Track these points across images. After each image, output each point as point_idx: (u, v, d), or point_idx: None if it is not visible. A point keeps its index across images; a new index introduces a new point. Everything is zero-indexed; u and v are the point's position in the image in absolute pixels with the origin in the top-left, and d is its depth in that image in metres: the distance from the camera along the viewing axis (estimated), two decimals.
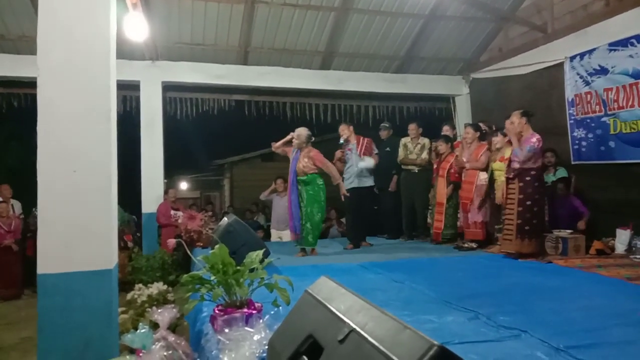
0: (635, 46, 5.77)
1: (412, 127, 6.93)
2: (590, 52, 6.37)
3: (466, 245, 5.88)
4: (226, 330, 2.08)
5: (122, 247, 6.41)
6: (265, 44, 7.72)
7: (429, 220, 6.65)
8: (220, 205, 14.84)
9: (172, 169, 7.60)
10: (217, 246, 2.54)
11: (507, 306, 3.11)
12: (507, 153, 5.56)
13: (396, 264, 4.76)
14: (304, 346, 1.35)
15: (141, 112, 7.31)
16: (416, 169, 6.76)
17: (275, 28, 7.45)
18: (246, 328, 2.05)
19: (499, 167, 5.64)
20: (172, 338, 2.46)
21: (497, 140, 5.68)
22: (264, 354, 1.96)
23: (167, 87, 7.71)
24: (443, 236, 6.24)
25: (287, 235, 7.44)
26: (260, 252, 2.64)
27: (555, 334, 2.50)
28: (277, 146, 5.75)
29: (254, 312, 2.44)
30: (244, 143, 13.74)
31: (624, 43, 5.92)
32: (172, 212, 7.31)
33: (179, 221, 7.30)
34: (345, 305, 1.36)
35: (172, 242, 2.97)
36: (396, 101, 9.14)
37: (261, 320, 2.21)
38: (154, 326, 2.64)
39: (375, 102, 9.07)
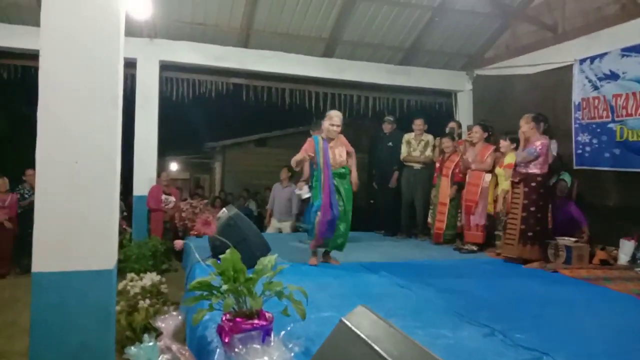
0: None
1: (418, 123, 6.77)
2: (602, 56, 6.25)
3: (466, 247, 5.79)
4: (240, 347, 1.92)
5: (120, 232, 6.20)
6: (267, 27, 7.49)
7: (429, 219, 6.53)
8: (210, 188, 14.62)
9: (163, 149, 7.35)
10: (228, 251, 2.37)
11: (521, 321, 3.00)
12: (507, 159, 5.48)
13: (399, 265, 4.63)
14: None
15: (137, 91, 7.04)
16: (418, 166, 6.64)
17: (279, 11, 7.21)
18: (264, 346, 1.90)
19: (500, 172, 5.54)
20: (175, 347, 2.30)
21: (504, 145, 5.57)
22: None
23: (165, 67, 7.43)
24: (444, 237, 6.14)
25: (287, 227, 7.29)
26: (272, 258, 2.48)
27: (577, 358, 2.41)
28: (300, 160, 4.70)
29: (264, 323, 2.28)
30: (239, 127, 13.49)
31: (637, 49, 5.81)
32: (164, 196, 7.10)
33: (169, 206, 7.09)
34: (398, 350, 1.20)
35: (179, 243, 2.80)
36: (397, 93, 8.96)
37: (275, 337, 2.05)
38: (156, 333, 2.48)
39: (376, 93, 8.88)
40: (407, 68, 8.51)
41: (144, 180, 7.11)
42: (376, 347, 1.25)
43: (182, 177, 15.17)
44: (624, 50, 5.95)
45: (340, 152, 4.63)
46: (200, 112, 11.25)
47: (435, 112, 9.11)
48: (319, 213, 4.46)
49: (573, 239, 5.22)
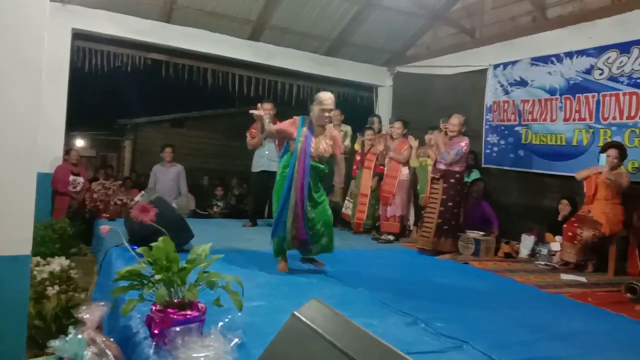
0: (555, 64, 6.17)
1: (336, 113, 6.86)
2: (514, 63, 6.71)
3: (384, 237, 6.00)
4: (177, 339, 1.85)
5: None
6: (193, 3, 7.19)
7: (345, 210, 6.64)
8: (119, 168, 13.85)
9: (69, 124, 6.83)
10: (160, 238, 2.26)
11: (441, 311, 3.17)
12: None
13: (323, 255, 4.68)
14: None
15: (45, 59, 6.43)
16: None
17: None
18: (202, 338, 1.84)
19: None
20: (100, 339, 2.16)
21: (431, 137, 5.87)
22: None
23: (77, 36, 6.88)
24: (364, 226, 6.32)
25: None
26: (207, 247, 2.40)
27: (494, 347, 2.57)
28: (279, 130, 4.08)
29: (197, 314, 2.21)
30: (154, 105, 12.85)
31: (544, 60, 6.30)
32: (71, 177, 6.60)
33: (77, 189, 6.61)
34: (357, 344, 1.22)
35: (105, 228, 2.61)
36: (321, 83, 8.97)
37: (213, 328, 2.00)
38: (71, 321, 2.32)
39: (301, 81, 8.86)
40: (333, 59, 8.58)
41: (49, 157, 6.57)
42: (335, 342, 1.26)
43: (88, 155, 14.23)
44: (533, 59, 6.43)
45: (326, 146, 3.92)
46: (112, 86, 10.57)
47: (357, 105, 9.28)
48: (290, 212, 3.81)
49: (481, 233, 5.60)
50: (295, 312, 1.48)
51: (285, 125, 4.02)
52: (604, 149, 4.99)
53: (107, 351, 2.09)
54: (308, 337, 1.36)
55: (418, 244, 5.48)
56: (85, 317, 2.16)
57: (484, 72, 7.11)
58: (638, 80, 5.26)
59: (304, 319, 1.42)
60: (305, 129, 3.91)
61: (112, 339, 2.23)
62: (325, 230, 3.97)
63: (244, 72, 8.39)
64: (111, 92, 11.44)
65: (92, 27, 6.81)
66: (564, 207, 5.51)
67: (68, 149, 6.86)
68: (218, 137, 13.74)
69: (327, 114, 3.91)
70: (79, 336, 1.85)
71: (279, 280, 3.59)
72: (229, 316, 2.13)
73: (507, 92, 6.83)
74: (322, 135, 3.96)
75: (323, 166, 3.97)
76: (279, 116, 6.45)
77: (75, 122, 10.68)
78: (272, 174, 6.13)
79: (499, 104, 6.95)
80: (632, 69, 5.31)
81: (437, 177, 5.27)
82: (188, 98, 11.95)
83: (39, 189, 6.73)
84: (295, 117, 4.04)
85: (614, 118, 5.48)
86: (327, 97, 3.95)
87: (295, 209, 3.79)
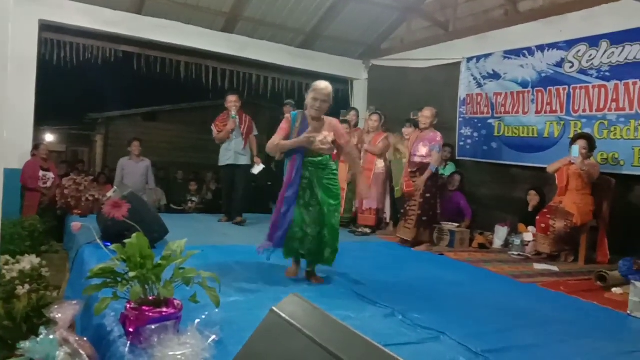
0: (527, 57, 6.27)
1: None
2: (487, 56, 6.78)
3: (360, 230, 6.03)
4: (153, 337, 1.81)
5: None
6: None
7: None
8: (90, 163, 13.57)
9: (37, 117, 6.66)
10: (134, 235, 2.22)
11: (417, 302, 3.20)
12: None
13: None
14: None
15: (10, 52, 6.23)
16: None
17: None
18: (178, 336, 1.81)
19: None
20: (72, 339, 2.11)
21: (407, 131, 5.89)
22: None
23: (45, 27, 6.68)
24: (342, 220, 6.32)
25: None
26: (182, 243, 2.36)
27: (470, 336, 2.60)
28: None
29: (174, 311, 2.18)
30: (126, 99, 12.59)
31: (517, 53, 6.39)
32: (41, 172, 6.43)
33: (47, 185, 6.46)
34: (338, 339, 1.21)
35: (77, 225, 2.54)
36: (296, 76, 8.95)
37: (190, 325, 1.97)
38: (43, 321, 2.26)
39: (276, 74, 8.79)
40: (308, 52, 8.55)
41: (17, 152, 6.39)
42: (315, 338, 1.25)
43: (58, 150, 13.88)
44: (506, 52, 6.52)
45: (322, 139, 3.48)
46: (83, 79, 10.31)
47: (332, 98, 9.24)
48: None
49: (456, 224, 5.67)
50: (274, 308, 1.46)
51: (284, 128, 3.59)
52: (573, 140, 5.10)
53: (81, 351, 2.04)
54: (287, 333, 1.35)
55: (399, 234, 5.49)
56: (57, 316, 2.10)
57: (457, 65, 7.17)
58: (607, 74, 5.38)
59: (282, 314, 1.41)
60: (297, 124, 3.55)
61: (85, 339, 2.18)
62: (330, 239, 3.56)
63: (217, 65, 8.29)
64: (81, 85, 11.16)
65: (61, 18, 6.63)
66: (533, 198, 5.64)
67: (37, 144, 6.68)
68: (192, 130, 13.57)
69: (318, 105, 3.50)
70: (51, 336, 1.80)
71: (256, 276, 3.57)
72: (206, 313, 2.11)
73: (480, 85, 6.91)
74: (318, 127, 3.56)
75: (320, 158, 3.53)
76: (251, 109, 6.43)
77: (44, 116, 10.40)
78: (240, 168, 6.15)
79: (472, 96, 7.03)
80: (601, 62, 5.43)
81: (414, 170, 5.32)
82: (161, 91, 11.75)
83: (6, 186, 6.56)
84: (287, 115, 3.72)
85: (584, 110, 5.59)
86: (322, 87, 3.55)
87: (278, 204, 3.58)
